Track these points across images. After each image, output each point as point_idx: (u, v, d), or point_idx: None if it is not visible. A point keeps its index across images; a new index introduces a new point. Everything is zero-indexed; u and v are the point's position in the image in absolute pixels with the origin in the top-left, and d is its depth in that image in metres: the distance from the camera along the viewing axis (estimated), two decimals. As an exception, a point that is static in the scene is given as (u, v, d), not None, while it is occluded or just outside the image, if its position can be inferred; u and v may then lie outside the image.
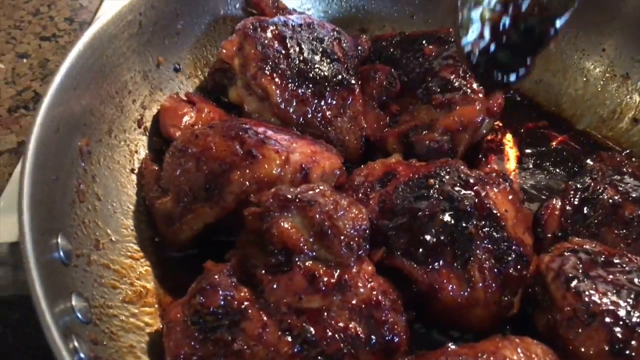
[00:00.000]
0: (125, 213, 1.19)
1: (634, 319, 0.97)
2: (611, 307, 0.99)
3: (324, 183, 1.11)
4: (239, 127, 1.16)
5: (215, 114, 1.33)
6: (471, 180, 1.15)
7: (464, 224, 1.08)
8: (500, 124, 1.50)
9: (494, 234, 1.09)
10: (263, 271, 0.99)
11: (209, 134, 1.15)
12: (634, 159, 1.39)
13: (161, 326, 1.04)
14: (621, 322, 0.97)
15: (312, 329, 0.95)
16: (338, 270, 0.99)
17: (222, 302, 0.96)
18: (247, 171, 1.09)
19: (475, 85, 1.33)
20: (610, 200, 1.22)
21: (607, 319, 0.98)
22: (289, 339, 0.95)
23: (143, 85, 1.32)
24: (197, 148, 1.14)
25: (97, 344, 0.94)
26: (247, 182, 1.09)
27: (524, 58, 1.08)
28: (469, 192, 1.12)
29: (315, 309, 0.96)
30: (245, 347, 0.94)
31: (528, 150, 1.47)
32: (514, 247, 1.09)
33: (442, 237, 1.07)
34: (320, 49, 1.36)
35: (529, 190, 1.38)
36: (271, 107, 1.29)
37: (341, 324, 0.96)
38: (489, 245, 1.08)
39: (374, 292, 1.00)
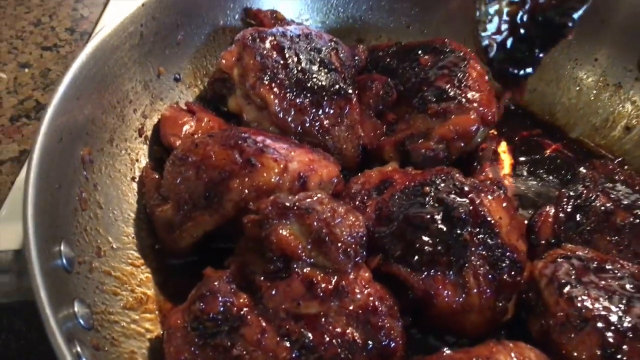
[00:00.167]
0: (126, 221, 1.21)
1: (625, 324, 0.99)
2: (603, 313, 1.00)
3: (322, 191, 1.13)
4: (238, 136, 1.18)
5: (215, 123, 1.34)
6: (466, 188, 1.16)
7: (458, 231, 1.10)
8: (495, 132, 1.52)
9: (489, 240, 1.11)
10: (262, 278, 1.00)
11: (208, 143, 1.17)
12: (626, 167, 1.41)
13: (161, 332, 1.06)
14: (613, 327, 0.99)
15: (310, 335, 0.96)
16: (335, 277, 1.00)
17: (221, 308, 0.97)
18: (246, 179, 1.11)
19: (470, 95, 1.35)
20: (603, 208, 1.23)
21: (599, 324, 0.99)
22: (288, 344, 0.96)
23: (144, 95, 1.34)
24: (197, 157, 1.16)
25: (99, 349, 0.95)
26: (246, 190, 1.11)
27: (541, 51, 1.08)
28: (463, 199, 1.14)
29: (313, 314, 0.98)
30: (245, 352, 0.95)
31: (522, 158, 1.49)
32: (508, 254, 1.11)
33: (437, 244, 1.08)
34: (318, 59, 1.38)
35: (523, 197, 1.40)
36: (270, 116, 1.31)
37: (338, 330, 0.98)
38: (484, 252, 1.09)
39: (371, 298, 1.01)
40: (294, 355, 0.95)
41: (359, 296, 1.00)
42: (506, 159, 1.48)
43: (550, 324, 1.03)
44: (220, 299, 0.98)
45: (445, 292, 1.06)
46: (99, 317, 1.00)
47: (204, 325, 0.97)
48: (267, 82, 1.31)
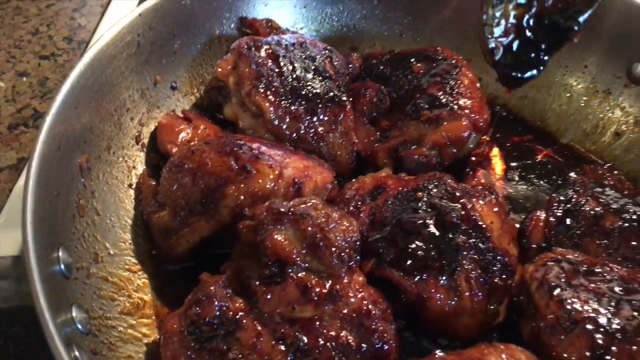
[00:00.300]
0: (124, 227, 1.22)
1: (614, 326, 1.00)
2: (592, 315, 1.02)
3: (316, 197, 1.14)
4: (234, 143, 1.19)
5: (211, 131, 1.36)
6: (458, 193, 1.18)
7: (450, 236, 1.11)
8: (488, 138, 1.54)
9: (480, 245, 1.12)
10: (257, 282, 1.02)
11: (204, 150, 1.18)
12: (615, 172, 1.42)
13: (158, 337, 1.07)
14: (602, 329, 1.00)
15: (304, 338, 0.98)
16: (330, 281, 1.02)
17: (217, 313, 0.98)
18: (242, 186, 1.12)
19: (462, 102, 1.37)
20: (592, 212, 1.25)
21: (589, 326, 1.00)
22: (283, 347, 0.97)
23: (141, 103, 1.36)
24: (193, 163, 1.17)
25: (96, 354, 0.96)
26: (241, 196, 1.12)
27: (546, 54, 1.09)
28: (455, 204, 1.16)
29: (307, 318, 0.99)
30: (240, 356, 0.96)
31: (514, 164, 1.50)
32: (499, 258, 1.12)
33: (429, 249, 1.10)
34: (313, 67, 1.39)
35: (514, 201, 1.41)
36: (265, 124, 1.32)
37: (333, 333, 0.99)
38: (475, 256, 1.11)
39: (365, 302, 1.02)
40: (289, 359, 0.96)
41: (352, 300, 1.02)
42: (498, 164, 1.50)
43: (541, 326, 1.04)
44: (216, 303, 0.99)
45: (438, 295, 1.07)
46: (96, 322, 1.01)
47: (200, 329, 0.98)
48: (262, 90, 1.32)
